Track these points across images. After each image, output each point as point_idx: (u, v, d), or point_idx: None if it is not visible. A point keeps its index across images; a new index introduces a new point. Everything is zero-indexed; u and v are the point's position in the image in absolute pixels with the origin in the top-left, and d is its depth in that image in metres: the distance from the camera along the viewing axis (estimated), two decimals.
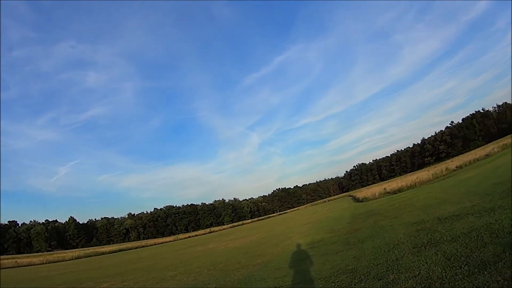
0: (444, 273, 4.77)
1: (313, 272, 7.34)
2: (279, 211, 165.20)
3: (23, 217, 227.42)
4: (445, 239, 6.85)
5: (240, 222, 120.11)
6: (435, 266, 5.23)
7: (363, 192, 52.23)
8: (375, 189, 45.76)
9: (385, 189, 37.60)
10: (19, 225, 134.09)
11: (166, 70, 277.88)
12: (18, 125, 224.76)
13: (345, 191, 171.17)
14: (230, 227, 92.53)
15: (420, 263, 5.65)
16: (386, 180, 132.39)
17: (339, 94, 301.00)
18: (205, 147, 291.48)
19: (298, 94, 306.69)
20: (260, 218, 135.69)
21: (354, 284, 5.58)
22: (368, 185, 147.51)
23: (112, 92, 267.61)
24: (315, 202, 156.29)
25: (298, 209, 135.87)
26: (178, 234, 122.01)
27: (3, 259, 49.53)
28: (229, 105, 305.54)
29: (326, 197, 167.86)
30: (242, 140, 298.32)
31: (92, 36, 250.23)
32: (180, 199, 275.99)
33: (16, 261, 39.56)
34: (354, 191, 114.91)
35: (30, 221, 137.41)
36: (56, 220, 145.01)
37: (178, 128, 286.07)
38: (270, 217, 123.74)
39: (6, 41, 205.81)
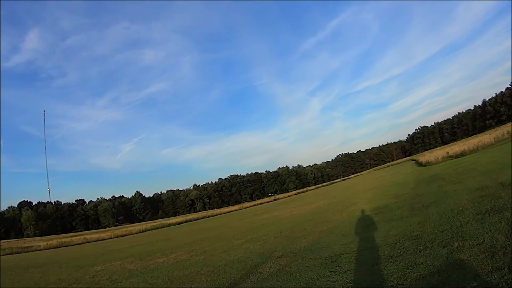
0: (507, 242, 4.61)
1: (379, 238, 7.25)
2: (342, 177, 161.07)
3: (90, 195, 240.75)
4: (508, 206, 6.50)
5: (305, 189, 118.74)
6: (498, 235, 5.06)
7: (426, 156, 49.12)
8: (438, 153, 42.95)
9: (447, 153, 35.29)
10: (87, 203, 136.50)
11: (222, 42, 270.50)
12: (80, 108, 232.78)
13: (408, 155, 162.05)
14: (295, 194, 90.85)
15: (484, 231, 5.46)
16: (448, 143, 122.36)
17: (397, 55, 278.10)
18: (267, 114, 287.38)
19: (356, 57, 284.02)
20: (324, 184, 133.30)
21: (420, 251, 5.52)
22: (431, 148, 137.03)
23: (170, 68, 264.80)
24: (378, 166, 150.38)
25: (362, 174, 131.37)
26: (243, 202, 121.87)
27: (72, 236, 52.69)
28: (288, 72, 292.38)
29: (389, 162, 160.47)
30: (303, 106, 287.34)
31: (144, 15, 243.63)
32: (244, 168, 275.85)
33: (84, 238, 40.40)
34: (417, 155, 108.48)
35: (97, 199, 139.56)
36: (122, 195, 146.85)
37: (239, 98, 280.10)
38: (334, 183, 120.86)
39: (59, 31, 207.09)
